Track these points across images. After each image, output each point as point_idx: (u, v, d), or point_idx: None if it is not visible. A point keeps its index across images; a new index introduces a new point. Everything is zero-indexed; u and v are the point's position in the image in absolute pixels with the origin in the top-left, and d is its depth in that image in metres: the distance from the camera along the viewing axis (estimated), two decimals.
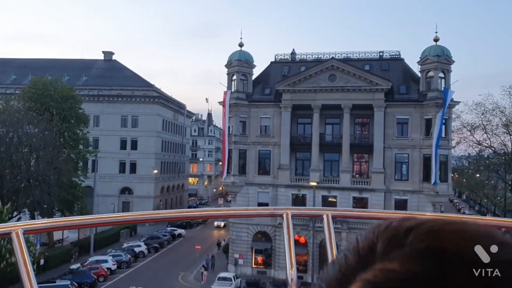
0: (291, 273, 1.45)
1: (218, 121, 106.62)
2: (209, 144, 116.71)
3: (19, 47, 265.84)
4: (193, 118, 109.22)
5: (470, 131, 54.25)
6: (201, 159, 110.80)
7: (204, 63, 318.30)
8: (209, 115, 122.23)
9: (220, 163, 57.74)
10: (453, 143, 46.94)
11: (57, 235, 51.15)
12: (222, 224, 66.26)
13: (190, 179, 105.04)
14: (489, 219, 1.79)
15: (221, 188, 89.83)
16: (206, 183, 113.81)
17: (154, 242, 52.95)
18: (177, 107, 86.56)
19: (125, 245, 49.68)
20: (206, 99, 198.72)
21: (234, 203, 44.58)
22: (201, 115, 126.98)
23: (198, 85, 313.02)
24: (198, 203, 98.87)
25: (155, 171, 71.42)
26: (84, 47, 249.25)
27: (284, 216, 1.61)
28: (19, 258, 1.31)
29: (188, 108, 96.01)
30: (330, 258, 1.42)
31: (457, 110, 45.64)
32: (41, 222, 1.60)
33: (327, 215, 1.60)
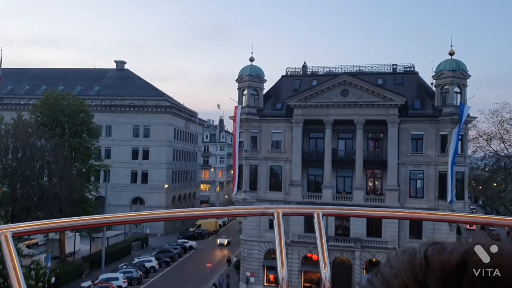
0: (282, 272, 1.43)
1: (229, 125, 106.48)
2: (220, 150, 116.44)
3: (36, 51, 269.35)
4: (205, 124, 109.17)
5: (486, 140, 53.16)
6: (212, 170, 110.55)
7: (216, 65, 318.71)
8: (221, 121, 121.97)
9: (232, 171, 57.27)
10: (469, 152, 45.91)
11: (69, 248, 51.27)
12: (226, 241, 62.35)
13: (202, 186, 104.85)
14: (493, 217, 1.81)
15: None
16: (218, 189, 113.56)
17: (165, 256, 52.67)
18: (189, 115, 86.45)
19: (136, 260, 49.47)
20: (218, 105, 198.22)
21: (245, 220, 44.06)
22: (213, 120, 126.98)
23: (210, 87, 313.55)
24: None
25: (166, 186, 71.31)
26: (98, 50, 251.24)
27: (275, 215, 1.60)
28: (8, 263, 1.25)
29: (200, 110, 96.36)
30: (320, 256, 1.44)
31: (473, 119, 44.52)
32: (30, 225, 1.50)
33: (318, 213, 1.60)
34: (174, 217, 1.78)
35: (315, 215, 1.60)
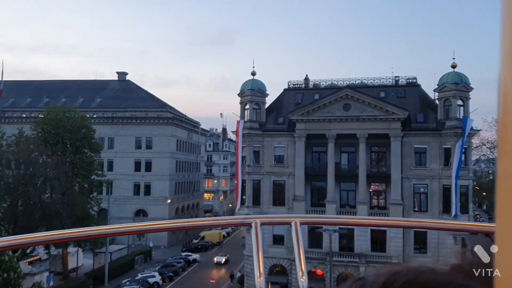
0: (259, 282, 1.44)
1: (232, 134, 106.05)
2: (224, 159, 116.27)
3: (39, 58, 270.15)
4: (208, 134, 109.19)
5: (490, 148, 53.04)
6: (215, 182, 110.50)
7: (219, 71, 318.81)
8: (224, 130, 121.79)
9: (235, 180, 56.87)
10: (473, 159, 45.76)
11: (72, 263, 51.06)
12: (223, 260, 58.38)
13: (205, 195, 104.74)
14: (468, 224, 1.93)
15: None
16: (221, 198, 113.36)
17: (169, 270, 52.39)
18: (191, 126, 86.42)
19: (139, 275, 49.16)
20: (221, 114, 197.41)
21: (248, 235, 43.76)
22: (216, 129, 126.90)
23: (213, 92, 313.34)
24: None
25: (169, 201, 71.21)
26: (101, 57, 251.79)
27: (253, 224, 1.61)
28: None
29: (203, 116, 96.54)
30: (297, 265, 1.47)
31: (476, 128, 44.30)
32: (12, 239, 1.51)
33: (295, 222, 1.63)
34: (153, 229, 1.75)
35: (292, 224, 1.62)
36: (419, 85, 44.59)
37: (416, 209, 41.14)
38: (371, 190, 42.94)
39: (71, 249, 49.61)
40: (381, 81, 45.00)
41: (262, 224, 1.64)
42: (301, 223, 1.66)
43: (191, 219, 2.01)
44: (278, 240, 42.29)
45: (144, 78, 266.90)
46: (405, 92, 43.66)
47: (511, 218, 0.40)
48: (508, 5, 0.42)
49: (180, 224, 2.03)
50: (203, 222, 2.17)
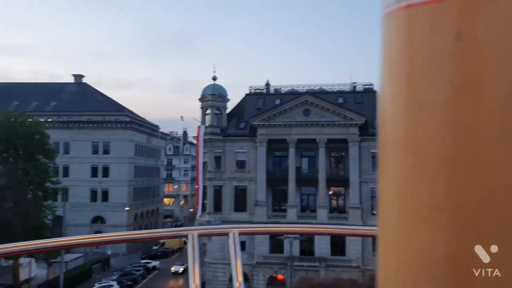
0: None
1: (194, 133, 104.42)
2: (184, 163, 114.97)
3: None
4: (168, 137, 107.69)
5: None
6: (176, 186, 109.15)
7: (180, 72, 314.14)
8: (185, 133, 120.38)
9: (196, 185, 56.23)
10: None
11: (24, 275, 48.77)
12: (181, 269, 53.08)
13: (166, 200, 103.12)
14: (355, 228, 1.93)
15: None
16: (182, 203, 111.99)
17: (128, 279, 51.14)
18: (151, 130, 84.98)
19: (96, 285, 47.62)
20: (181, 117, 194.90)
21: (210, 242, 43.48)
22: (176, 132, 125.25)
23: (174, 94, 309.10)
24: (174, 225, 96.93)
25: (127, 208, 69.57)
26: (57, 58, 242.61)
27: (190, 236, 1.61)
28: None
29: (164, 118, 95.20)
30: (233, 275, 1.45)
31: None
32: None
33: (233, 233, 1.63)
34: (86, 243, 1.72)
35: (230, 234, 1.64)
36: (375, 91, 45.70)
37: (375, 212, 42.18)
38: (330, 194, 43.70)
39: (23, 260, 47.40)
40: (339, 87, 46.01)
41: (200, 235, 1.64)
42: (240, 233, 1.66)
43: (128, 232, 2.03)
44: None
45: (102, 80, 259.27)
46: (362, 98, 44.78)
47: (388, 225, 0.45)
48: (386, 22, 0.45)
49: (116, 237, 1.99)
50: (138, 236, 2.12)
